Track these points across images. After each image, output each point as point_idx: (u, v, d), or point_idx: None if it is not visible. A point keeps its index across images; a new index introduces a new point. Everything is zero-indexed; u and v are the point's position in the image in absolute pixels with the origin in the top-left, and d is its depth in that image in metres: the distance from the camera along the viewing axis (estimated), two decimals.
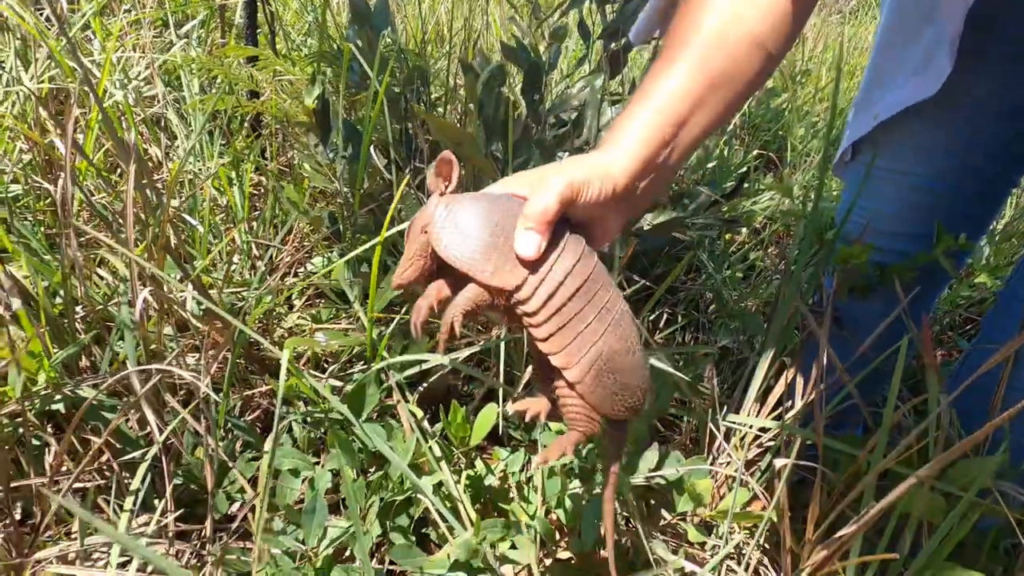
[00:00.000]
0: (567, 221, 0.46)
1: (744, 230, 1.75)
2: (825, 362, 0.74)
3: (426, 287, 0.46)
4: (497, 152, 0.93)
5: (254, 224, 1.22)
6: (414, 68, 1.05)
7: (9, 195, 1.06)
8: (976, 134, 0.82)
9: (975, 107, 0.80)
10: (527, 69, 0.97)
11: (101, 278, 0.97)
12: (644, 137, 0.49)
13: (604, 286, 0.45)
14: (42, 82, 1.22)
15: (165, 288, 0.81)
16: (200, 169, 1.28)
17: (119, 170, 1.27)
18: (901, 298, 0.75)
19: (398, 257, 0.67)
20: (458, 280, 0.44)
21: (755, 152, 1.94)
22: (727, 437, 0.83)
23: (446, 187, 0.44)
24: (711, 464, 0.77)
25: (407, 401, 0.74)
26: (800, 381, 0.78)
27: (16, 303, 0.72)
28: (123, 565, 0.63)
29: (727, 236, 1.59)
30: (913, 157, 0.85)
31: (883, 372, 0.83)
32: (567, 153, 1.15)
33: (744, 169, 1.78)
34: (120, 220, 0.98)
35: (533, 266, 0.43)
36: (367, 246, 0.73)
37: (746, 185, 1.72)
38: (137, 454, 0.71)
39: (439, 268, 0.45)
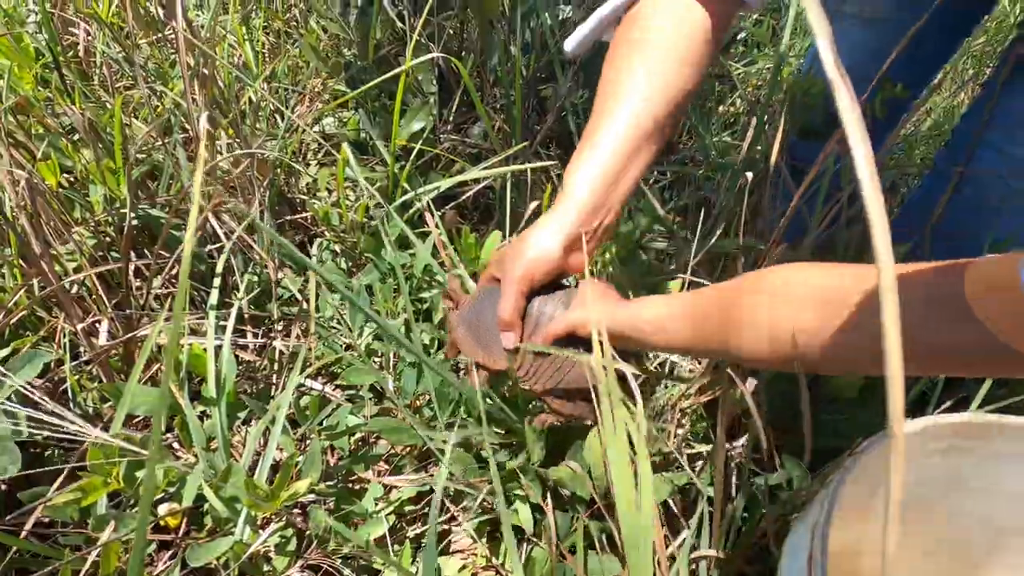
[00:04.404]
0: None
1: (739, 99, 1.81)
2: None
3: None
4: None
5: (267, 84, 1.29)
6: None
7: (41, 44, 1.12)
8: None
9: None
10: None
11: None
12: (586, 195, 0.59)
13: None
14: None
15: (206, 122, 0.91)
16: (207, 25, 1.32)
17: (125, 28, 1.31)
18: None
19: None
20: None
21: (754, 18, 1.94)
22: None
23: (456, 304, 0.64)
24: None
25: (432, 213, 0.87)
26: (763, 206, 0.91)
27: (82, 135, 0.83)
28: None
29: (719, 108, 1.66)
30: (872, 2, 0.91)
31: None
32: (570, 7, 1.20)
33: (741, 34, 1.80)
34: (132, 69, 1.06)
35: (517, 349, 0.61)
36: (392, 73, 0.83)
37: (743, 47, 1.76)
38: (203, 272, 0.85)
39: None
